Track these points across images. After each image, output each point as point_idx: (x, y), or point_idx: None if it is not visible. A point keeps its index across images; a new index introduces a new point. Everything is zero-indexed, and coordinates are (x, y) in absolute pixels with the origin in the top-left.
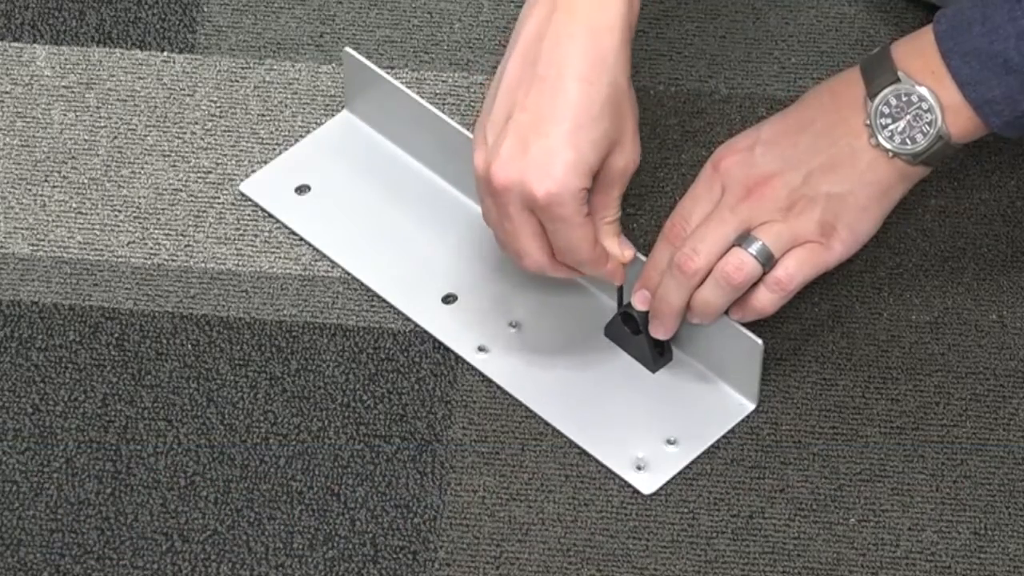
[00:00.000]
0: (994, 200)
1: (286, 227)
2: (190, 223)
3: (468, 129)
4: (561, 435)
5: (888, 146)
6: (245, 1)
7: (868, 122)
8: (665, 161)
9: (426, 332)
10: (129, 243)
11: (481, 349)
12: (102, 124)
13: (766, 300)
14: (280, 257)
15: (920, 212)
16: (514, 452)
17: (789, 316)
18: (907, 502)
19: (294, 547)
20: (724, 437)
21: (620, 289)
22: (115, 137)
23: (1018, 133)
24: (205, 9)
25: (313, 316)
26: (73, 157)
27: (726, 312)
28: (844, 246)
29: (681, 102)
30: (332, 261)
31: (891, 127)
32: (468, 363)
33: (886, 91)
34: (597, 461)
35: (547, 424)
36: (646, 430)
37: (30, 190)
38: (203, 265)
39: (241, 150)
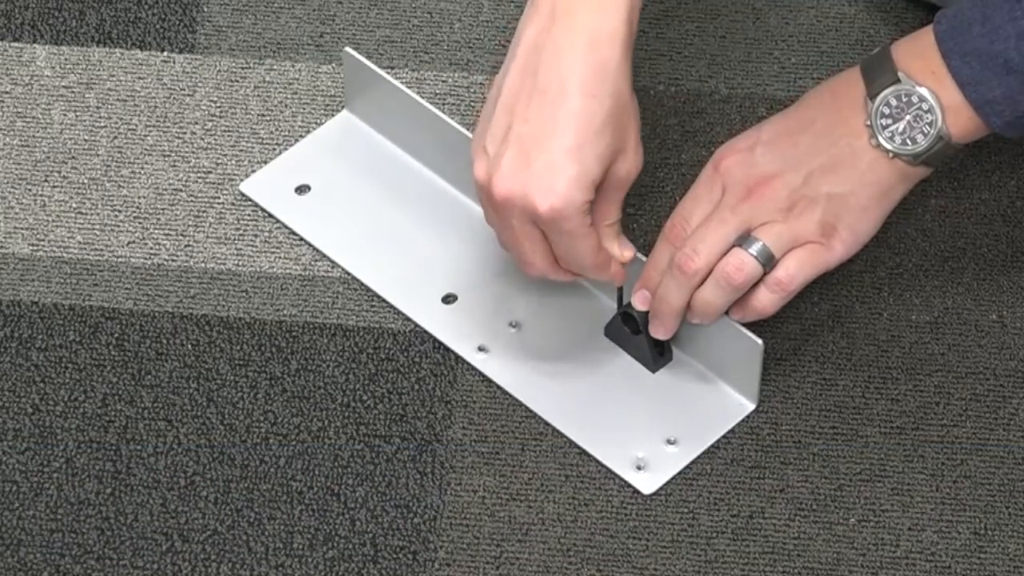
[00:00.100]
0: (994, 200)
1: (286, 227)
2: (190, 223)
3: (468, 129)
4: (561, 435)
5: (889, 147)
6: (245, 1)
7: (869, 122)
8: (665, 161)
9: (426, 332)
10: (129, 243)
11: (481, 349)
12: (102, 124)
13: (766, 300)
14: (280, 257)
15: (920, 212)
16: (514, 452)
17: (789, 316)
18: (907, 502)
19: (294, 547)
20: (724, 437)
21: (620, 289)
22: (115, 137)
23: (1019, 133)
24: (205, 9)
25: (313, 316)
26: (73, 157)
27: (726, 312)
28: (845, 246)
29: (681, 102)
30: (332, 261)
31: (891, 128)
32: (468, 363)
33: (886, 92)
34: (597, 461)
35: (547, 424)
36: (646, 430)
37: (30, 190)
38: (203, 265)
39: (241, 150)
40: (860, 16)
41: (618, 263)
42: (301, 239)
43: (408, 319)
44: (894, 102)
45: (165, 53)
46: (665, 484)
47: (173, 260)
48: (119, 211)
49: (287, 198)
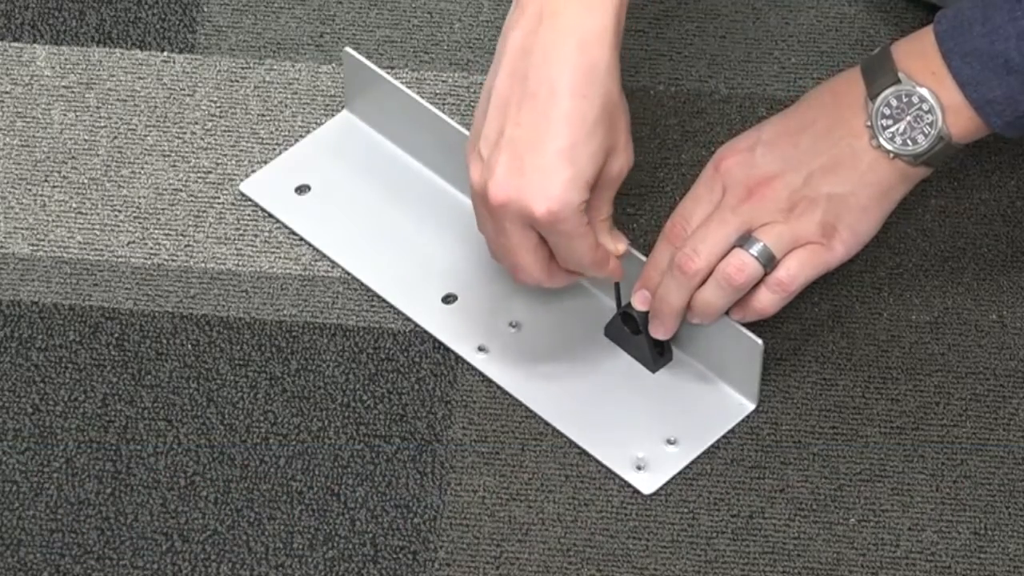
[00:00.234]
0: (994, 200)
1: (286, 227)
2: (190, 223)
3: (468, 129)
4: (561, 435)
5: (889, 147)
6: (245, 1)
7: (869, 123)
8: (665, 161)
9: (426, 332)
10: (129, 243)
11: (481, 349)
12: (102, 124)
13: (767, 301)
14: (280, 257)
15: (920, 212)
16: (514, 452)
17: (789, 316)
18: (907, 502)
19: (294, 547)
20: (724, 437)
21: (618, 289)
22: (115, 137)
23: (1019, 133)
24: (205, 9)
25: (313, 316)
26: (73, 157)
27: (727, 312)
28: (845, 247)
29: (681, 102)
30: (332, 261)
31: (892, 128)
32: (468, 363)
33: (887, 92)
34: (597, 461)
35: (547, 424)
36: (646, 430)
37: (30, 190)
38: (203, 265)
39: (241, 150)
40: (860, 16)
41: (616, 260)
42: (301, 239)
43: (408, 319)
44: (894, 103)
45: (165, 53)
46: (665, 484)
47: (173, 260)
48: (119, 211)
49: (287, 198)
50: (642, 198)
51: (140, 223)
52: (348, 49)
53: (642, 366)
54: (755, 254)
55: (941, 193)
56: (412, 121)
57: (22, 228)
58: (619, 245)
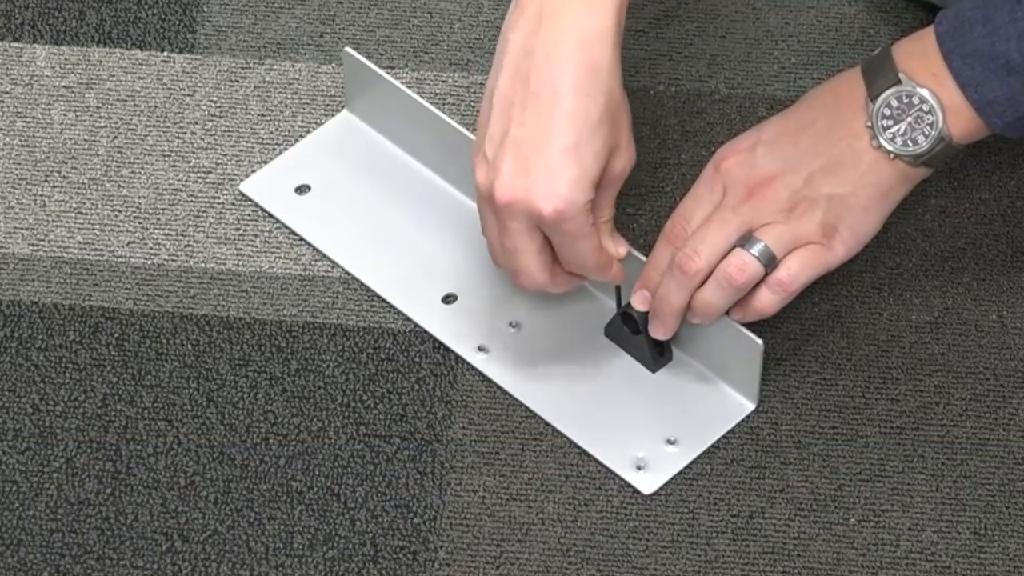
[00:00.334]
0: (994, 200)
1: (286, 227)
2: (190, 223)
3: (468, 129)
4: (561, 435)
5: (889, 148)
6: (245, 1)
7: (869, 124)
8: (665, 161)
9: (426, 332)
10: (129, 243)
11: (481, 349)
12: (102, 124)
13: (768, 301)
14: (280, 257)
15: (920, 212)
16: (514, 452)
17: (789, 316)
18: (907, 502)
19: (294, 547)
20: (724, 437)
21: (618, 289)
22: (115, 137)
23: (1020, 134)
24: (205, 9)
25: (313, 316)
26: (73, 157)
27: (727, 312)
28: (845, 247)
29: (681, 102)
30: (332, 261)
31: (892, 129)
32: (468, 363)
33: (887, 93)
34: (597, 461)
35: (547, 424)
36: (646, 430)
37: (30, 190)
38: (203, 265)
39: (241, 150)
40: (860, 16)
41: (619, 264)
42: (301, 239)
43: (408, 319)
44: (895, 103)
45: (165, 53)
46: (665, 484)
47: (173, 260)
48: (119, 211)
49: (287, 198)
50: (642, 198)
51: (140, 223)
52: (348, 49)
53: (642, 366)
54: (756, 254)
55: (941, 193)
56: (412, 121)
57: (22, 228)
58: (620, 248)
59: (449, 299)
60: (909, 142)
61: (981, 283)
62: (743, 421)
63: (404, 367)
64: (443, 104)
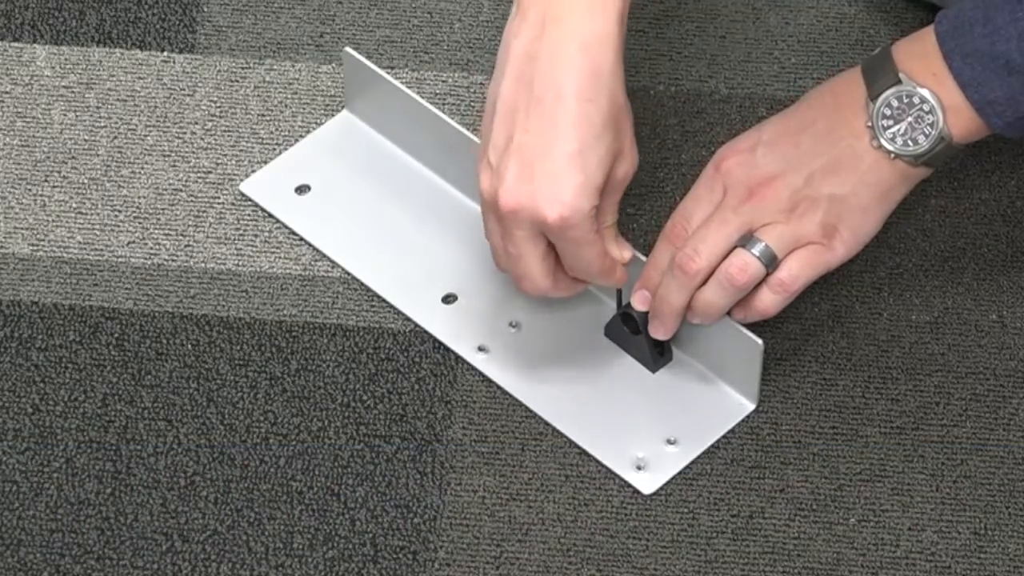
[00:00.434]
0: (994, 200)
1: (286, 227)
2: (190, 223)
3: (468, 129)
4: (561, 435)
5: (890, 148)
6: (245, 1)
7: (870, 124)
8: (665, 161)
9: (426, 332)
10: (129, 243)
11: (481, 349)
12: (102, 124)
13: (769, 301)
14: (280, 257)
15: (920, 212)
16: (514, 452)
17: (789, 316)
18: (907, 502)
19: (294, 547)
20: (724, 437)
21: (619, 289)
22: (115, 137)
23: (1020, 134)
24: (205, 9)
25: (313, 316)
26: (73, 157)
27: (728, 313)
28: (846, 247)
29: (681, 102)
30: (332, 261)
31: (893, 129)
32: (468, 363)
33: (887, 93)
34: (597, 461)
35: (547, 424)
36: (646, 430)
37: (30, 190)
38: (203, 265)
39: (241, 150)
40: (860, 16)
41: (623, 268)
42: (301, 239)
43: (408, 319)
44: (895, 103)
45: (165, 53)
46: (665, 484)
47: (173, 260)
48: (119, 211)
49: (287, 198)
50: (642, 198)
51: (140, 223)
52: (348, 49)
53: (642, 366)
54: (757, 254)
55: (941, 193)
56: (412, 121)
57: (22, 228)
58: (624, 252)
59: (449, 299)
60: (909, 142)
61: (981, 283)
62: (743, 421)
63: (404, 367)
64: (443, 104)
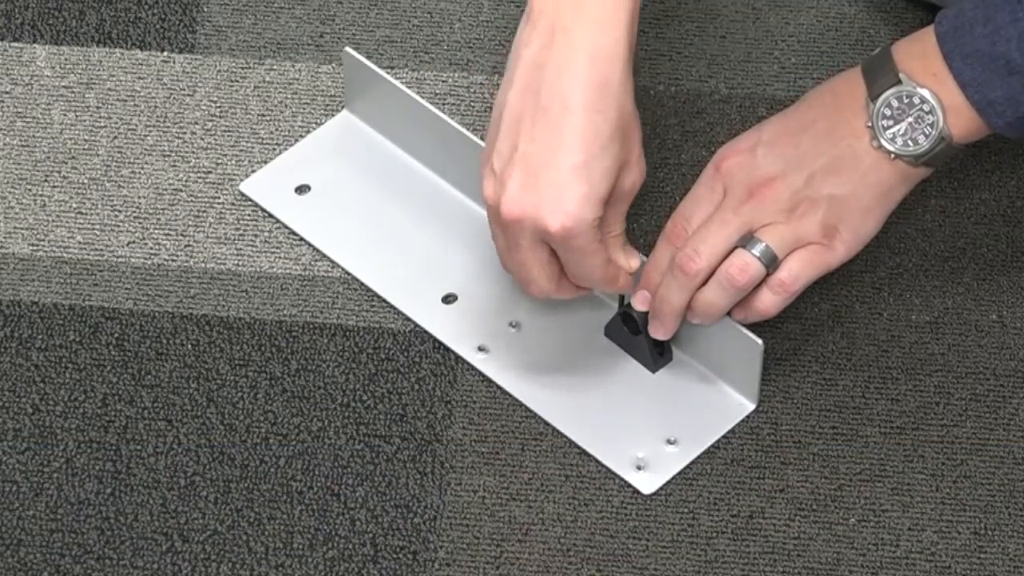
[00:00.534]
0: (994, 200)
1: (286, 227)
2: (190, 223)
3: (468, 129)
4: (561, 435)
5: (890, 148)
6: (245, 1)
7: (870, 124)
8: (665, 161)
9: (426, 332)
10: (129, 243)
11: (481, 349)
12: (102, 124)
13: (769, 302)
14: (280, 257)
15: (920, 212)
16: (514, 452)
17: (789, 316)
18: (907, 502)
19: (294, 547)
20: (724, 437)
21: None
22: (115, 137)
23: (1020, 134)
24: (205, 9)
25: (313, 316)
26: (73, 157)
27: (728, 313)
28: (846, 247)
29: (681, 102)
30: (332, 261)
31: (893, 129)
32: (468, 363)
33: (887, 93)
34: (597, 461)
35: (547, 424)
36: (646, 430)
37: (30, 190)
38: (203, 265)
39: (241, 150)
40: (860, 16)
41: (626, 275)
42: (301, 239)
43: (408, 319)
44: (895, 103)
45: (165, 53)
46: (665, 484)
47: (173, 260)
48: (119, 211)
49: (287, 198)
50: (642, 198)
51: (140, 223)
52: (348, 49)
53: (642, 366)
54: (757, 254)
55: (941, 193)
56: (412, 121)
57: (22, 228)
58: (632, 261)
59: (449, 299)
60: (910, 142)
61: (981, 283)
62: (743, 421)
63: (404, 367)
64: (443, 104)
